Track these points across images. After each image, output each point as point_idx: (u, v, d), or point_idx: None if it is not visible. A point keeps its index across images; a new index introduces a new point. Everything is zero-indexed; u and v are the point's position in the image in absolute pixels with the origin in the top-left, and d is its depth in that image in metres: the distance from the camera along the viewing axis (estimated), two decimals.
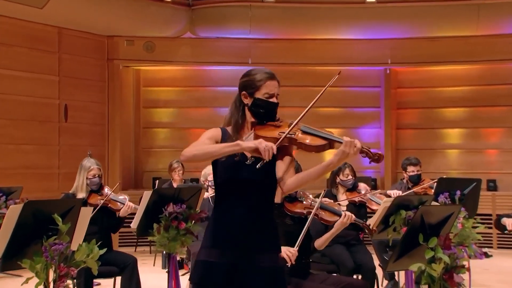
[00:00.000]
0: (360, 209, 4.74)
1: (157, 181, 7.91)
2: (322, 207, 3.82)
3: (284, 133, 2.36)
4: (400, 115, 9.25)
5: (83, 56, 8.33)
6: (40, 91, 7.79)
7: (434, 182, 5.23)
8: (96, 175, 4.56)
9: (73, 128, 8.20)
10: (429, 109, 9.10)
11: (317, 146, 2.37)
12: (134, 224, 4.08)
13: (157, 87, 9.25)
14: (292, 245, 3.44)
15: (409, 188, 5.75)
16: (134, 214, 4.18)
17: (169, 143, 9.21)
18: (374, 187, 8.51)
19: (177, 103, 9.22)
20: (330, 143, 2.40)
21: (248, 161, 2.41)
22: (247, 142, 2.30)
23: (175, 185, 7.03)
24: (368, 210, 4.91)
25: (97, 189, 4.60)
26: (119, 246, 8.13)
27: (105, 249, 2.99)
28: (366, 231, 4.05)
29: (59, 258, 2.75)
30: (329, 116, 9.06)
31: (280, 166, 2.44)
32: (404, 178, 6.34)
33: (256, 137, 2.38)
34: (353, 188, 4.91)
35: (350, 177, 4.87)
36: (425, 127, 9.12)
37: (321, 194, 3.84)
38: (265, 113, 2.46)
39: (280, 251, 2.46)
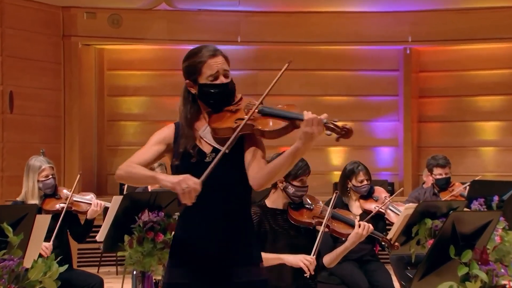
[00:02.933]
0: (377, 221, 4.76)
1: (125, 186, 7.89)
2: (334, 217, 3.85)
3: (242, 120, 2.43)
4: (423, 105, 9.27)
5: (32, 32, 8.28)
6: None
7: (467, 187, 5.27)
8: (50, 176, 4.57)
9: (20, 121, 8.15)
10: (458, 98, 9.12)
11: (278, 131, 2.40)
12: (100, 237, 4.11)
13: (125, 71, 9.22)
14: None
15: (435, 195, 5.79)
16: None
17: (140, 139, 9.17)
18: (391, 192, 8.47)
19: (149, 91, 9.20)
20: (293, 123, 2.44)
21: (207, 158, 2.48)
22: (165, 179, 2.37)
23: (150, 188, 7.02)
24: (387, 222, 4.94)
25: (53, 192, 4.61)
26: (78, 266, 8.11)
27: (66, 266, 2.99)
28: (386, 246, 4.06)
29: (9, 277, 2.77)
30: (337, 107, 9.08)
31: (247, 158, 2.50)
32: (424, 183, 6.39)
33: (212, 130, 2.48)
34: (368, 195, 4.91)
35: (365, 182, 4.87)
36: (453, 120, 9.15)
37: (332, 200, 3.88)
38: (216, 101, 2.53)
39: (261, 262, 2.52)
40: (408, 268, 5.25)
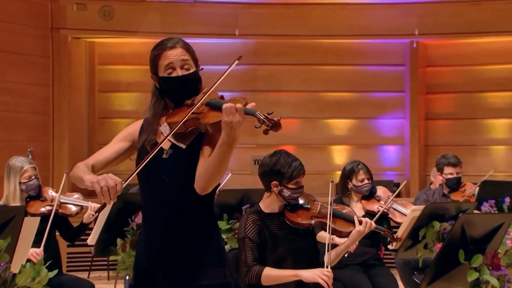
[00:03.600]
0: (381, 221, 4.76)
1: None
2: (333, 214, 3.84)
3: (194, 113, 2.42)
4: (430, 102, 9.26)
5: (19, 24, 8.26)
6: None
7: (477, 187, 5.28)
8: (32, 177, 4.55)
9: (7, 118, 8.13)
10: (468, 94, 9.11)
11: (216, 124, 2.37)
12: (91, 240, 4.10)
13: (117, 65, 9.22)
14: (304, 266, 3.53)
15: (444, 196, 5.79)
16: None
17: None
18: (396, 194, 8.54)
19: (142, 86, 9.01)
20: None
21: (164, 154, 2.49)
22: (88, 179, 2.39)
23: None
24: (392, 223, 4.93)
25: (37, 194, 4.61)
26: (67, 270, 8.10)
27: (55, 271, 2.99)
28: (389, 240, 4.05)
29: None
30: (339, 103, 9.09)
31: (200, 159, 2.48)
32: (432, 183, 6.41)
33: (168, 125, 2.48)
34: (370, 195, 4.93)
35: (366, 181, 4.88)
36: (462, 117, 9.14)
37: (330, 194, 3.83)
38: (174, 94, 2.54)
39: (226, 265, 2.55)
40: (415, 273, 5.25)
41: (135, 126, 2.63)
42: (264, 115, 2.30)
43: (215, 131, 2.39)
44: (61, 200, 4.58)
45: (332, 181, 3.77)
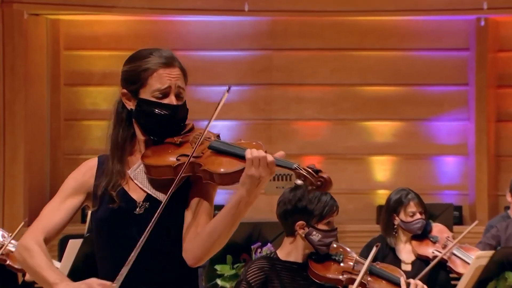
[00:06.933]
0: (437, 272, 4.82)
1: (89, 211, 7.71)
2: (373, 272, 3.89)
3: (186, 156, 2.50)
4: (503, 98, 9.25)
5: None
6: None
7: None
8: None
9: None
10: None
11: (231, 174, 2.46)
12: None
13: (89, 51, 9.27)
14: None
15: None
16: None
17: None
18: (458, 220, 8.44)
19: None
20: None
21: (138, 209, 2.56)
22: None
23: None
24: (452, 274, 4.97)
25: None
26: None
27: None
28: None
29: None
30: (382, 100, 9.10)
31: (187, 217, 2.56)
32: (509, 208, 6.37)
33: (146, 168, 2.55)
34: (423, 235, 4.95)
35: (418, 216, 4.91)
36: None
37: (372, 251, 3.91)
38: (159, 126, 2.60)
39: None
40: None
41: (88, 172, 2.66)
42: (306, 169, 2.39)
43: (225, 182, 2.47)
44: (11, 248, 4.63)
45: (377, 245, 3.90)
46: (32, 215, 8.43)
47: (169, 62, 2.60)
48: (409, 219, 4.86)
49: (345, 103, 9.08)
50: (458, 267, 4.84)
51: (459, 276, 4.73)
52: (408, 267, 4.86)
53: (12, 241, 4.58)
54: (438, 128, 9.15)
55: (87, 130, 9.20)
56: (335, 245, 3.82)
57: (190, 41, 9.04)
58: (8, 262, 4.58)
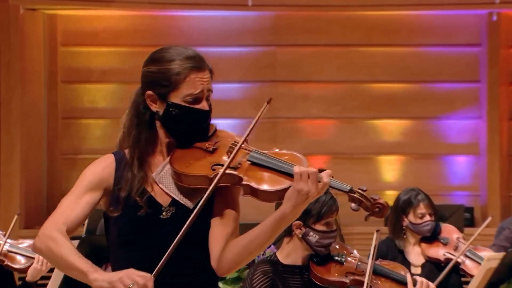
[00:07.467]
0: (449, 275, 4.83)
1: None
2: (378, 272, 3.92)
3: (221, 166, 2.51)
4: None
5: None
6: None
7: None
8: None
9: None
10: None
11: (278, 192, 2.47)
12: None
13: (88, 47, 9.26)
14: None
15: None
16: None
17: (109, 144, 9.05)
18: (469, 222, 8.44)
19: (121, 75, 9.13)
20: None
21: (164, 213, 2.57)
22: (100, 278, 2.45)
23: None
24: (463, 277, 5.02)
25: None
26: None
27: None
28: None
29: None
30: (390, 98, 9.11)
31: (214, 225, 2.58)
32: None
33: (176, 175, 2.54)
34: (433, 237, 4.97)
35: (427, 217, 4.93)
36: None
37: (373, 245, 3.89)
38: (189, 131, 2.62)
39: None
40: None
41: (106, 168, 2.64)
42: (360, 192, 2.42)
43: (268, 199, 2.50)
44: (7, 247, 4.59)
45: (377, 230, 3.88)
46: (28, 216, 8.49)
47: (201, 65, 2.62)
48: (419, 220, 4.91)
49: (352, 101, 9.08)
50: (471, 269, 4.83)
51: (470, 278, 4.72)
52: (418, 270, 4.88)
53: (8, 241, 4.57)
54: (449, 126, 9.14)
55: (85, 129, 9.22)
56: (337, 246, 3.81)
57: (191, 36, 9.01)
58: (6, 262, 4.55)
